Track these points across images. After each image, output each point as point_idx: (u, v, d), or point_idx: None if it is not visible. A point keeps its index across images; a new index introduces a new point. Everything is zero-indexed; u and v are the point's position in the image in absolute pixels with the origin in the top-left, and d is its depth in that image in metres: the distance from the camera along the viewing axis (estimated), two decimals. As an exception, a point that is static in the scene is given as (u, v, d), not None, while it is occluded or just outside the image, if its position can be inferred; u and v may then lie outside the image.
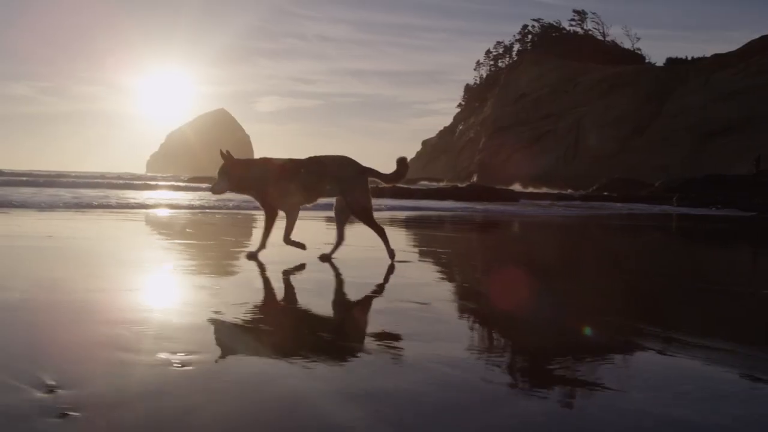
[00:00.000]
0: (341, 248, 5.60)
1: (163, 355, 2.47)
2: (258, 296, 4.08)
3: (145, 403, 2.00)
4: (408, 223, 12.46)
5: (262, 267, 5.13)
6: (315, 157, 5.60)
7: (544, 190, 43.88)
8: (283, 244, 5.51)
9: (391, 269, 5.17)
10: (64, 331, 2.87)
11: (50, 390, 2.06)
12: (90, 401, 1.98)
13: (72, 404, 1.95)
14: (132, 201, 15.16)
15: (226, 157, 5.46)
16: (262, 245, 5.51)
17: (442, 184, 42.88)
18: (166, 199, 16.95)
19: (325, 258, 5.56)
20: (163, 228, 9.59)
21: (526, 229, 13.34)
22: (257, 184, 5.47)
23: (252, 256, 5.46)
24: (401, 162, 5.56)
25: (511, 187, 39.28)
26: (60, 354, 2.49)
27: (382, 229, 5.54)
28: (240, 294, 3.99)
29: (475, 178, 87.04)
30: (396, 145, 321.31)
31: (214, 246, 7.23)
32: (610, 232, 13.14)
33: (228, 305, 3.48)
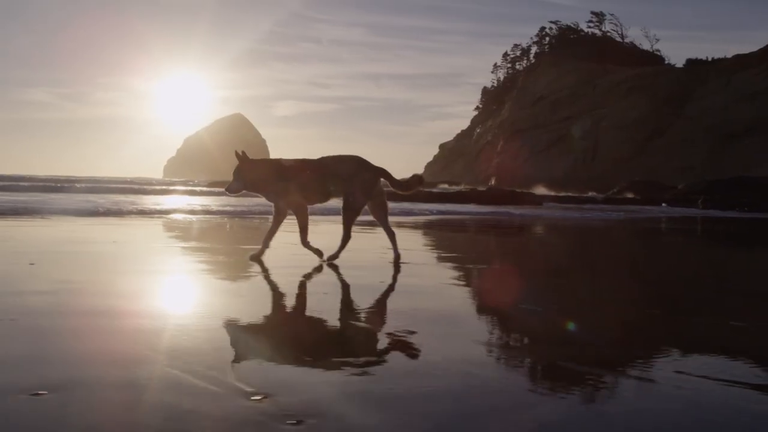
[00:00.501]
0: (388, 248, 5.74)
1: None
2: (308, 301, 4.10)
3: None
4: (442, 227, 12.38)
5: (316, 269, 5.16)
6: (322, 158, 5.72)
7: (563, 193, 43.59)
8: (301, 244, 5.70)
9: (319, 269, 5.29)
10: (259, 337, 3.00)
11: (264, 396, 2.09)
12: (311, 409, 2.01)
13: (296, 412, 1.97)
14: (168, 207, 15.31)
15: (241, 157, 5.63)
16: (265, 245, 5.66)
17: (461, 188, 42.65)
18: (203, 205, 16.99)
19: (395, 262, 5.69)
20: (214, 233, 9.69)
21: (573, 234, 13.01)
22: (266, 185, 5.62)
23: (255, 257, 5.58)
24: (416, 178, 5.77)
25: (532, 190, 39.08)
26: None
27: (349, 238, 5.59)
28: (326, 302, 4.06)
29: (493, 181, 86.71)
30: (412, 149, 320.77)
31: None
32: (662, 237, 12.86)
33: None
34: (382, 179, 5.65)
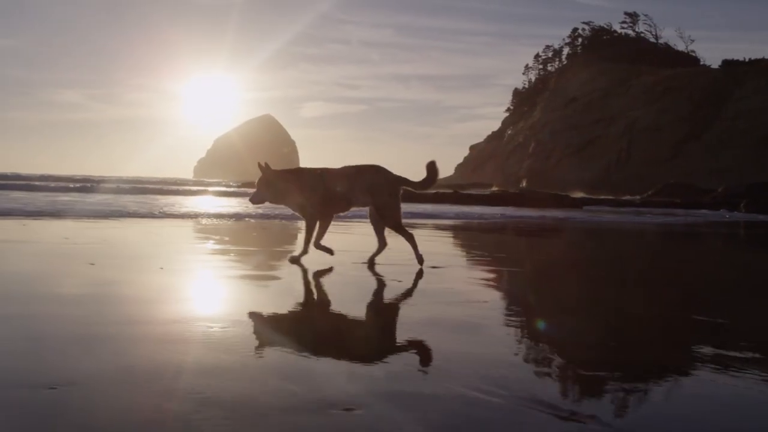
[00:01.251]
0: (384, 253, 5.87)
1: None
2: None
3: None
4: (494, 232, 12.22)
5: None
6: (344, 167, 5.83)
7: (596, 195, 43.06)
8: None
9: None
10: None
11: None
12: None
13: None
14: (223, 211, 15.41)
15: (264, 168, 5.68)
16: (305, 251, 5.73)
17: (494, 189, 42.40)
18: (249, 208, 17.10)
19: (370, 262, 5.80)
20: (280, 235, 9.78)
21: (646, 240, 12.51)
22: (290, 195, 5.71)
23: (295, 260, 5.67)
24: (431, 167, 5.71)
25: (567, 193, 38.67)
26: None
27: (411, 235, 5.70)
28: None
29: (524, 183, 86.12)
30: (439, 150, 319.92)
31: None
32: (740, 243, 12.43)
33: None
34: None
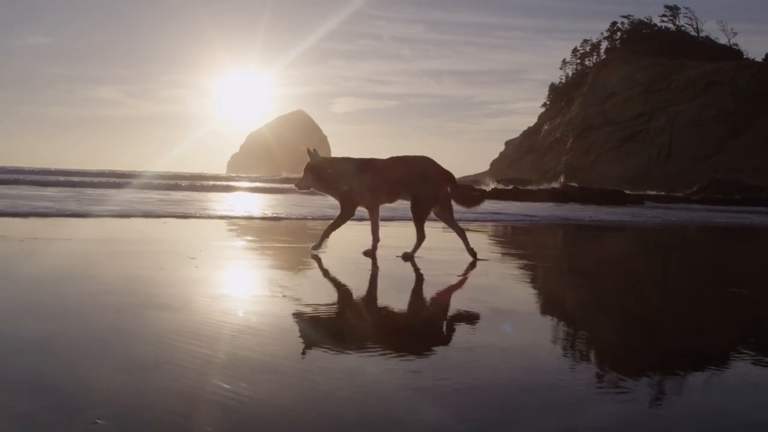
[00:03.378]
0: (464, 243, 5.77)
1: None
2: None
3: None
4: (591, 235, 11.41)
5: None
6: (392, 158, 5.77)
7: (642, 192, 42.36)
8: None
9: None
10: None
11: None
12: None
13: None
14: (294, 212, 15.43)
15: (312, 155, 5.75)
16: (374, 246, 5.80)
17: (543, 186, 41.90)
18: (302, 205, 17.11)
19: (472, 255, 5.75)
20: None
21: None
22: (335, 184, 5.72)
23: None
24: (480, 196, 6.02)
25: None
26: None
27: (423, 238, 5.63)
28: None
29: (562, 179, 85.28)
30: (471, 146, 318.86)
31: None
32: None
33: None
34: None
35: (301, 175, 5.84)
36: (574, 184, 42.08)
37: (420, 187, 5.58)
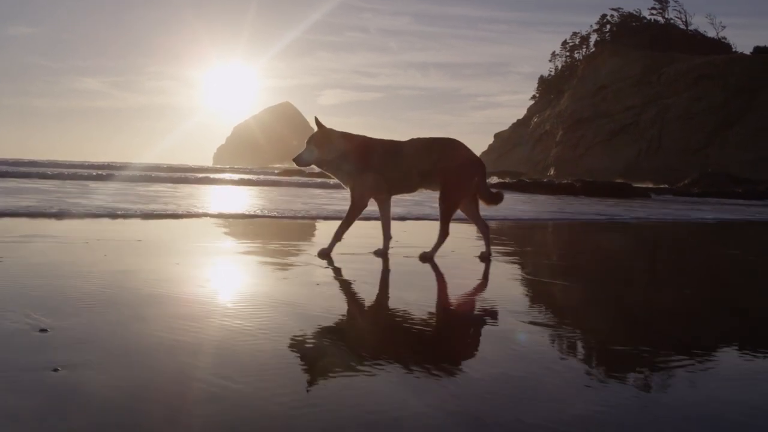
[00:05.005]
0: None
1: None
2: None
3: None
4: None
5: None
6: (413, 140, 4.97)
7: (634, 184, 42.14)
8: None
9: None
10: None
11: None
12: None
13: None
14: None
15: (320, 125, 4.81)
16: (386, 244, 5.06)
17: (552, 179, 41.66)
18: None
19: (483, 257, 5.17)
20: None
21: None
22: (346, 165, 4.79)
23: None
24: (500, 196, 5.21)
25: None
26: None
27: (446, 236, 4.94)
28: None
29: (552, 172, 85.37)
30: (459, 138, 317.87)
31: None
32: None
33: None
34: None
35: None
36: (574, 178, 41.73)
37: (451, 176, 4.83)
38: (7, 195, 10.38)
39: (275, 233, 7.17)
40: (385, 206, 5.06)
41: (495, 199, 5.13)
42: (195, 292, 3.42)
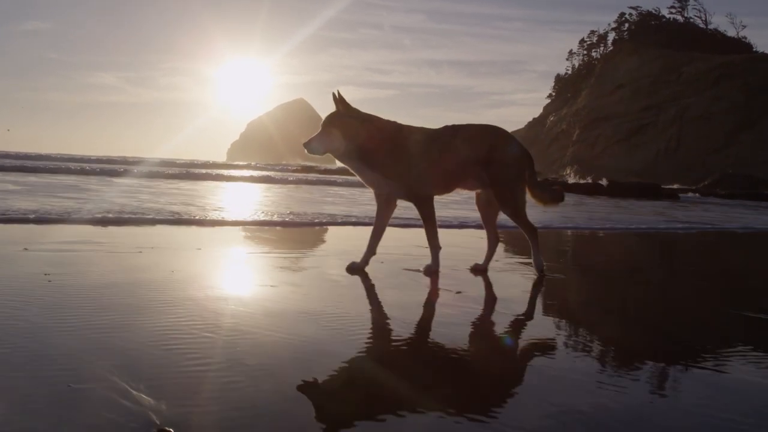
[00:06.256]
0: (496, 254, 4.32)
1: None
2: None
3: None
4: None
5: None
6: (448, 127, 4.02)
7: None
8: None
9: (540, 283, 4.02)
10: None
11: None
12: None
13: None
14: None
15: (343, 102, 3.76)
16: (371, 251, 4.02)
17: (565, 178, 41.25)
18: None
19: (477, 269, 4.24)
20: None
21: None
22: (373, 154, 3.75)
23: (356, 269, 3.97)
24: (560, 193, 4.29)
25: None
26: None
27: (534, 230, 4.11)
28: None
29: (568, 171, 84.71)
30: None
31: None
32: None
33: None
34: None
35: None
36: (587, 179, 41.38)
37: (503, 169, 3.93)
38: (40, 193, 10.14)
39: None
40: (388, 211, 4.08)
41: (554, 197, 4.21)
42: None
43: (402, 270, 4.14)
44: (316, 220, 7.44)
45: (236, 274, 3.98)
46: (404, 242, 5.63)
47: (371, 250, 4.03)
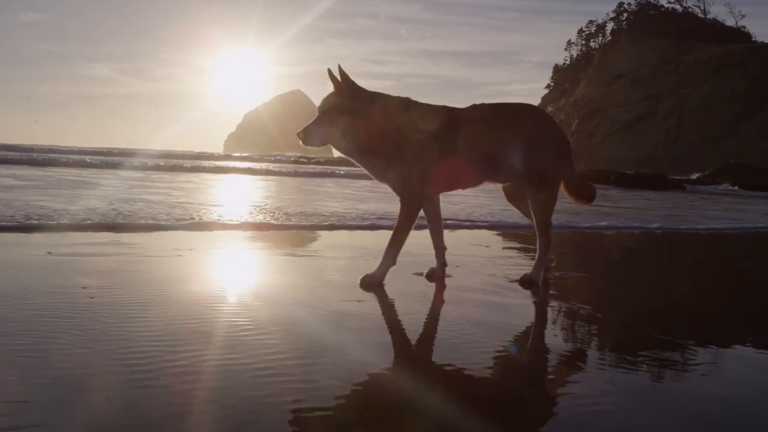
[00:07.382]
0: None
1: None
2: None
3: None
4: None
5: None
6: (476, 107, 3.38)
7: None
8: None
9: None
10: None
11: None
12: None
13: None
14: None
15: (346, 78, 3.13)
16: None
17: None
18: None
19: (525, 281, 3.49)
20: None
21: None
22: (387, 143, 3.08)
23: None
24: (592, 191, 3.69)
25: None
26: None
27: (549, 241, 3.44)
28: None
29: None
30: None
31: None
32: None
33: None
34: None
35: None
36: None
37: (543, 158, 3.30)
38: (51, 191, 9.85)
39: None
40: (434, 205, 3.45)
41: (586, 193, 3.62)
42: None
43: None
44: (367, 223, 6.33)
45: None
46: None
47: (439, 250, 3.50)
